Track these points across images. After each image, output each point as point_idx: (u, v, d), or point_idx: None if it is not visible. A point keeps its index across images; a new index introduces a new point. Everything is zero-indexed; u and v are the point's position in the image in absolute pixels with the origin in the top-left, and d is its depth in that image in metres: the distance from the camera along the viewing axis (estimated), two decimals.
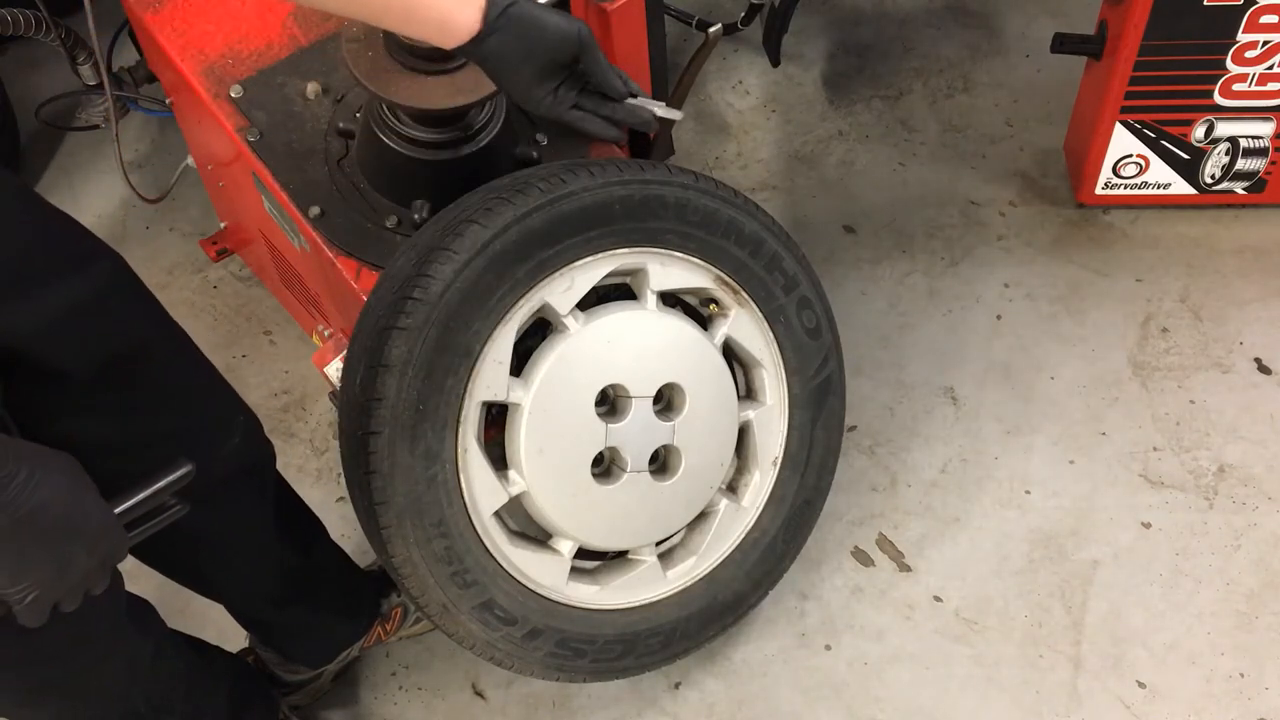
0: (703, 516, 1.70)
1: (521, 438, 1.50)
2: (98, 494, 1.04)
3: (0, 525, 0.95)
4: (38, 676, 1.27)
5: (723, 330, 1.65)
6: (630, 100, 1.47)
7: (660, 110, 1.48)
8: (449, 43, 1.27)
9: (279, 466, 2.06)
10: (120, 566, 1.14)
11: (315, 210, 1.68)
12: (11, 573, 0.99)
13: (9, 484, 0.95)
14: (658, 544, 1.69)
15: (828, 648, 1.89)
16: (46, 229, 1.20)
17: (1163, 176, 2.22)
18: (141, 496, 1.08)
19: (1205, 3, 1.95)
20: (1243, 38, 2.00)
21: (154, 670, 1.41)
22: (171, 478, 1.09)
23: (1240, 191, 2.25)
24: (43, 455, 1.00)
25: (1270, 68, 2.04)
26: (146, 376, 1.28)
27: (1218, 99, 2.09)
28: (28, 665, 1.24)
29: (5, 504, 0.95)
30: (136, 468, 1.10)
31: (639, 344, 1.56)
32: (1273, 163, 2.19)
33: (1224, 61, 2.03)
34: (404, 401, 1.42)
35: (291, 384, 2.17)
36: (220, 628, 1.78)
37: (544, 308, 1.50)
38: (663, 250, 1.57)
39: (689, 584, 1.70)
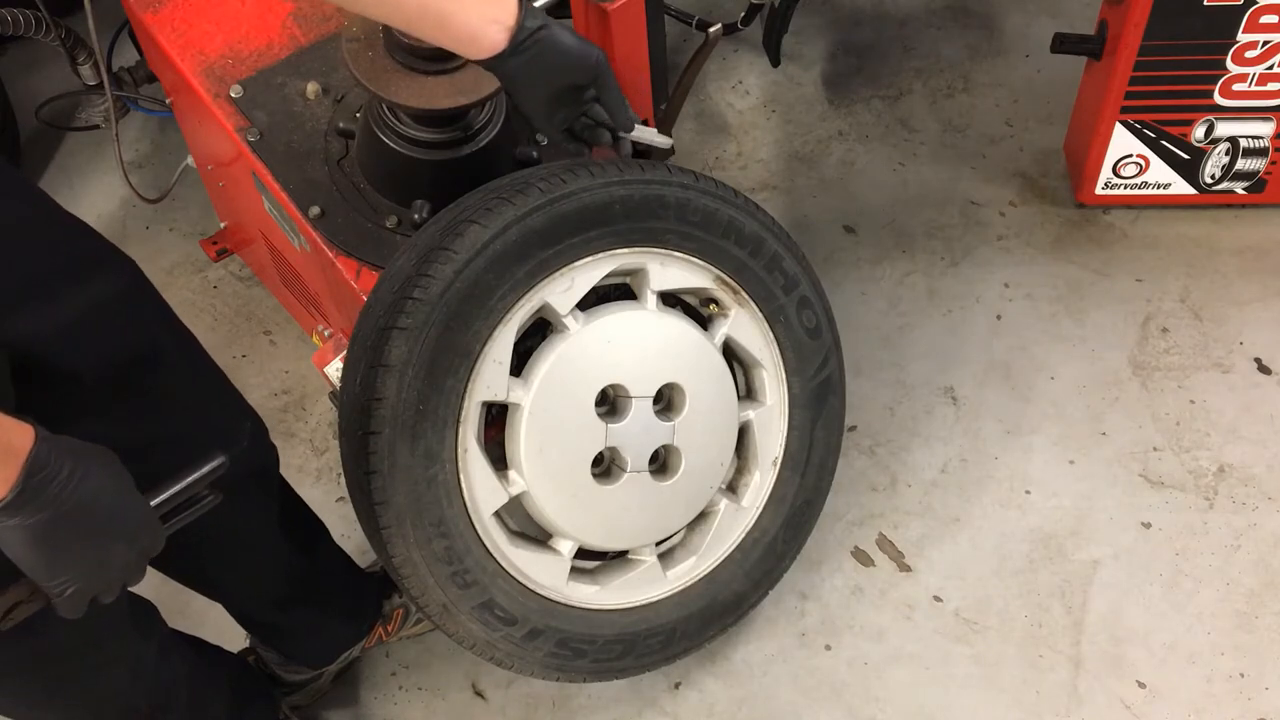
0: (703, 516, 1.70)
1: (521, 438, 1.50)
2: (135, 488, 1.06)
3: (43, 520, 0.97)
4: (44, 680, 1.27)
5: (723, 330, 1.65)
6: (638, 131, 1.48)
7: (657, 139, 1.50)
8: (473, 56, 1.31)
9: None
10: None
11: (315, 210, 1.68)
12: (53, 566, 1.01)
13: (52, 480, 0.97)
14: (658, 544, 1.69)
15: (828, 648, 1.89)
16: (61, 235, 1.21)
17: (1163, 176, 2.22)
18: (176, 489, 1.10)
19: (1205, 3, 1.95)
20: (1243, 38, 2.00)
21: (156, 671, 1.42)
22: (205, 469, 1.11)
23: (1240, 191, 2.25)
24: (84, 451, 1.01)
25: (1270, 68, 2.04)
26: (156, 381, 1.29)
27: (1218, 99, 2.09)
28: (35, 670, 1.25)
29: (49, 500, 0.97)
30: (147, 471, 1.10)
31: (639, 344, 1.56)
32: (1273, 163, 2.19)
33: (1224, 61, 2.03)
34: (404, 401, 1.42)
35: (291, 384, 2.17)
36: (220, 628, 1.78)
37: (544, 308, 1.50)
38: (663, 250, 1.57)
39: (689, 584, 1.70)
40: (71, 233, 1.23)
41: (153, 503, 1.08)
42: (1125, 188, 2.25)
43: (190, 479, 1.11)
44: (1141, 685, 1.84)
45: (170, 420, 1.32)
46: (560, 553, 1.59)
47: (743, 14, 2.46)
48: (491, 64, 1.31)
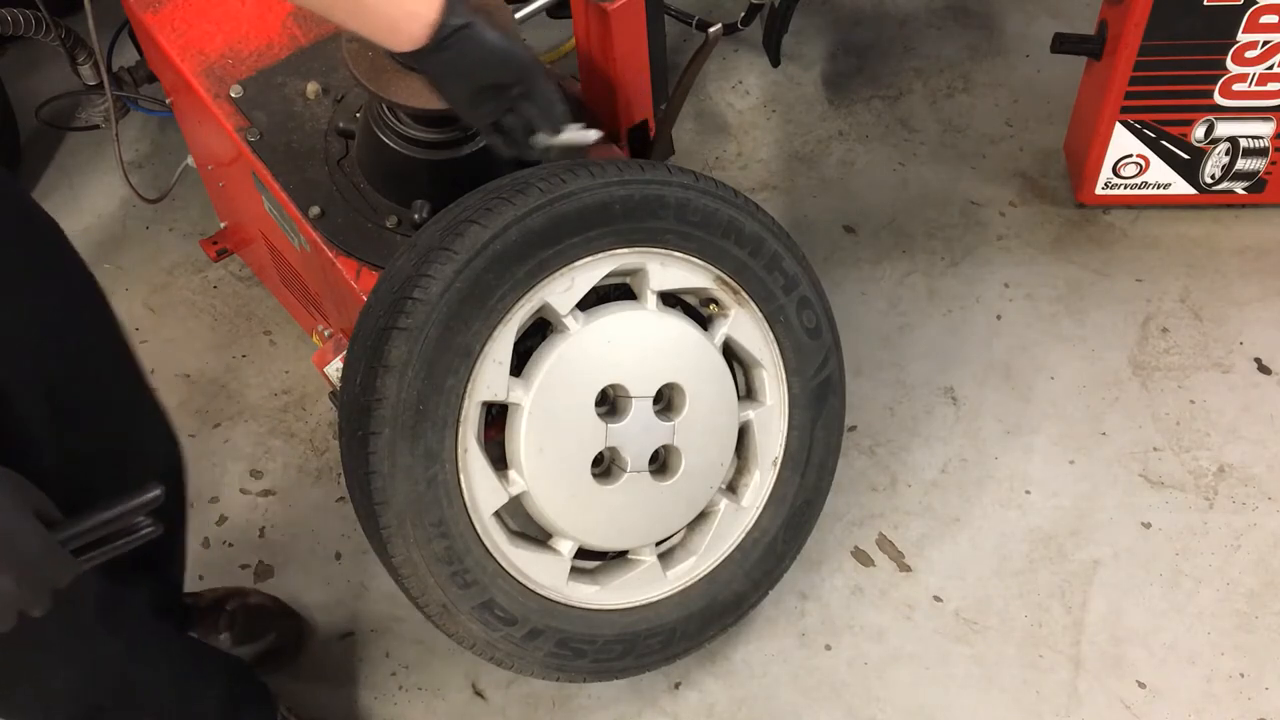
0: (703, 516, 1.70)
1: (521, 438, 1.50)
2: (35, 520, 1.01)
3: None
4: None
5: (723, 330, 1.65)
6: (564, 133, 1.46)
7: (585, 137, 1.48)
8: (392, 48, 1.28)
9: (279, 466, 2.07)
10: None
11: (315, 210, 1.68)
12: None
13: None
14: (658, 544, 1.69)
15: (828, 648, 1.89)
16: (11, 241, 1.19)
17: (1163, 176, 2.22)
18: (92, 522, 1.04)
19: (1205, 3, 1.95)
20: (1243, 38, 2.00)
21: (124, 669, 1.39)
22: (134, 502, 1.05)
23: (1240, 191, 2.25)
24: None
25: (1270, 68, 2.04)
26: (83, 398, 1.27)
27: (1218, 99, 2.09)
28: None
29: None
30: (66, 492, 1.08)
31: (639, 344, 1.56)
32: (1273, 163, 2.19)
33: (1224, 61, 2.04)
34: (404, 401, 1.42)
35: (291, 384, 2.17)
36: None
37: (544, 308, 1.50)
38: (663, 250, 1.57)
39: (689, 584, 1.70)
40: (18, 240, 1.21)
41: (65, 534, 1.02)
42: (1125, 188, 2.25)
43: (112, 512, 1.04)
44: (1141, 685, 1.84)
45: (89, 440, 1.30)
46: (560, 553, 1.59)
47: (743, 14, 2.46)
48: (412, 57, 1.28)
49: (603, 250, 1.52)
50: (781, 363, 1.70)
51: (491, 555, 1.52)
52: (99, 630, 1.35)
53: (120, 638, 1.39)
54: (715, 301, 1.65)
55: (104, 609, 1.36)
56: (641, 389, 1.56)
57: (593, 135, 1.49)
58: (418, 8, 1.24)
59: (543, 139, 1.44)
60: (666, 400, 1.62)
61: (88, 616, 1.32)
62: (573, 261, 1.50)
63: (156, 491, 1.06)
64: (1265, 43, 2.00)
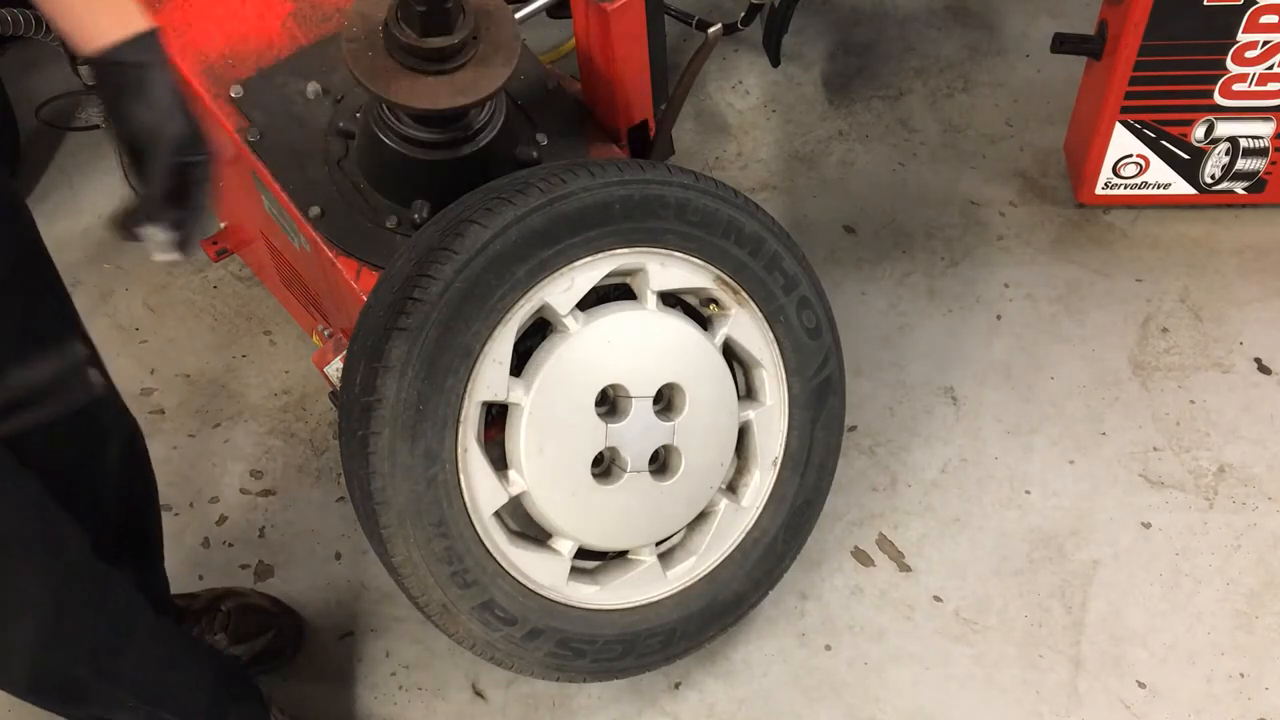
0: (703, 516, 1.70)
1: (521, 438, 1.50)
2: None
3: None
4: None
5: (723, 330, 1.65)
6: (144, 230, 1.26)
7: (156, 248, 1.27)
8: (74, 50, 1.19)
9: (279, 466, 2.07)
10: None
11: (315, 210, 1.68)
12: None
13: None
14: (658, 544, 1.69)
15: (828, 648, 1.89)
16: None
17: (1163, 176, 2.22)
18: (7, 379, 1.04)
19: (1205, 3, 1.95)
20: (1243, 38, 2.00)
21: (107, 643, 1.40)
22: (51, 356, 1.06)
23: (1240, 191, 2.25)
24: None
25: (1270, 68, 2.04)
26: None
27: (1218, 99, 2.09)
28: None
29: None
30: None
31: (639, 344, 1.56)
32: (1273, 163, 2.19)
33: (1224, 61, 2.04)
34: (404, 401, 1.42)
35: (291, 384, 2.17)
36: None
37: (544, 308, 1.50)
38: (663, 250, 1.57)
39: (689, 584, 1.70)
40: None
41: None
42: (1125, 188, 2.25)
43: (25, 366, 1.06)
44: (1141, 685, 1.84)
45: None
46: (560, 553, 1.59)
47: (743, 14, 2.46)
48: (88, 66, 1.19)
49: (603, 250, 1.52)
50: (781, 363, 1.70)
51: (491, 555, 1.52)
52: (76, 594, 1.34)
53: (104, 611, 1.39)
54: (715, 301, 1.65)
55: (87, 576, 1.36)
56: (641, 389, 1.56)
57: (164, 257, 1.28)
58: (108, 26, 1.17)
59: (140, 228, 1.25)
60: (666, 400, 1.62)
61: (58, 571, 1.31)
62: (573, 261, 1.50)
63: (75, 345, 1.03)
64: (1265, 43, 2.00)
